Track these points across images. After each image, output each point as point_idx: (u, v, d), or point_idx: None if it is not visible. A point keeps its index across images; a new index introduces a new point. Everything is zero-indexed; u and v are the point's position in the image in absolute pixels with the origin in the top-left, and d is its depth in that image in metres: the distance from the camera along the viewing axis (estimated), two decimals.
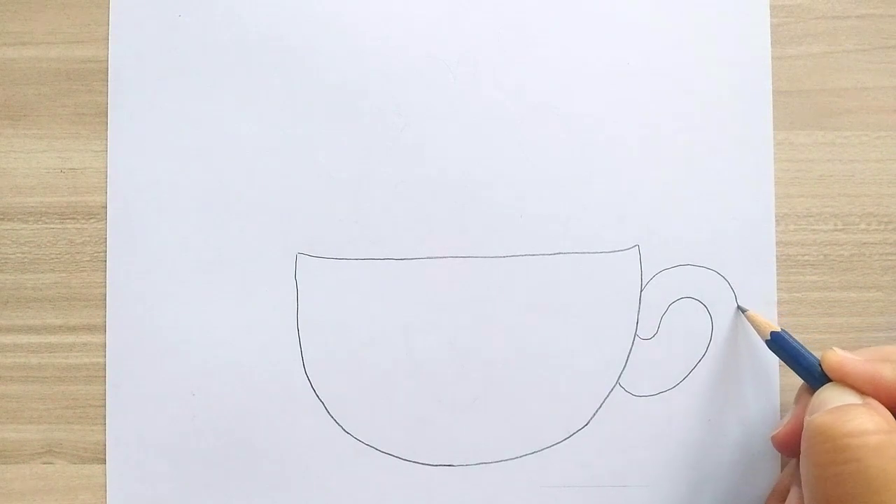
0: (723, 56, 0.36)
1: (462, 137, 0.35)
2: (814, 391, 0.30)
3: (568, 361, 0.35)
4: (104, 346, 0.35)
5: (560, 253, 0.35)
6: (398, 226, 0.35)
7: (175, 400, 0.35)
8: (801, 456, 0.27)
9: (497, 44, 0.36)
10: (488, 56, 0.36)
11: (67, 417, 0.35)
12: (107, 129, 0.36)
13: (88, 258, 0.36)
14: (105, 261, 0.35)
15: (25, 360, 0.36)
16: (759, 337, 0.34)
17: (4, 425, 0.35)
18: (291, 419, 0.35)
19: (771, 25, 0.36)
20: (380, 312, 0.35)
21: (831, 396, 0.28)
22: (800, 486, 0.29)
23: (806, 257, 0.35)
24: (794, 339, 0.32)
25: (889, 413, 0.27)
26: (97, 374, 0.35)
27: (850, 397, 0.28)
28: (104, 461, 0.35)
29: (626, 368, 0.35)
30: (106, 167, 0.36)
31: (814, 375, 0.30)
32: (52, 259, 0.36)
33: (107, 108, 0.36)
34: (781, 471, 0.35)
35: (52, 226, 0.36)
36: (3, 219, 0.36)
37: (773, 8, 0.36)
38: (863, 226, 0.36)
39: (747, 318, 0.34)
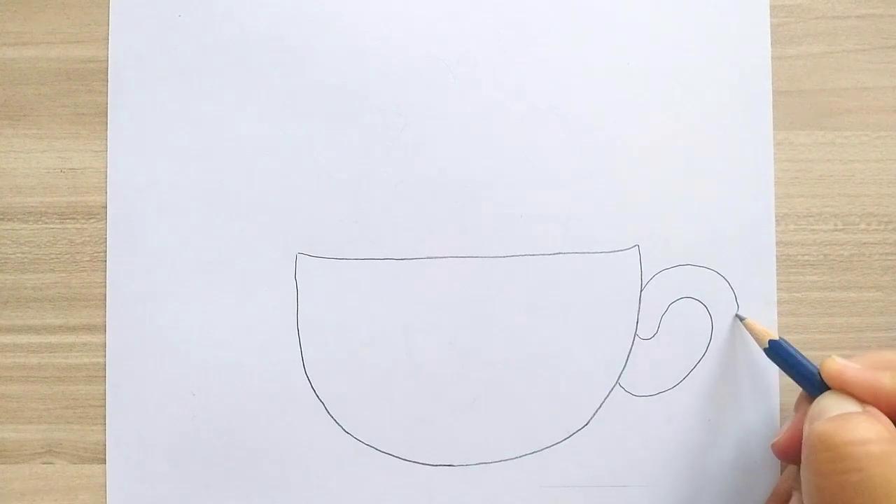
0: (723, 56, 0.36)
1: (462, 137, 0.35)
2: (813, 399, 0.30)
3: (568, 361, 0.35)
4: (104, 346, 0.35)
5: (560, 253, 0.35)
6: (398, 226, 0.35)
7: (175, 400, 0.35)
8: (802, 464, 0.27)
9: (497, 44, 0.36)
10: (488, 56, 0.36)
11: (67, 417, 0.35)
12: (107, 129, 0.36)
13: (88, 258, 0.36)
14: (105, 261, 0.35)
15: (25, 360, 0.36)
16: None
17: (4, 425, 0.35)
18: (291, 419, 0.35)
19: (771, 25, 0.36)
20: (380, 312, 0.35)
21: (831, 404, 0.28)
22: (800, 491, 0.29)
23: (806, 257, 0.35)
24: (792, 347, 0.32)
25: (890, 421, 0.27)
26: (97, 374, 0.35)
27: (850, 405, 0.28)
28: (104, 461, 0.35)
29: (625, 368, 0.35)
30: (106, 167, 0.36)
31: (813, 383, 0.30)
32: (52, 259, 0.36)
33: (107, 108, 0.36)
34: (781, 471, 0.35)
35: (52, 226, 0.36)
36: (3, 219, 0.36)
37: (773, 8, 0.36)
38: (863, 226, 0.36)
39: (745, 326, 0.34)
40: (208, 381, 0.35)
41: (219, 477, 0.35)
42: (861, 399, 0.28)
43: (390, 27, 0.36)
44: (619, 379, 0.35)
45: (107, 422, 0.35)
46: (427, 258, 0.35)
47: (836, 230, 0.36)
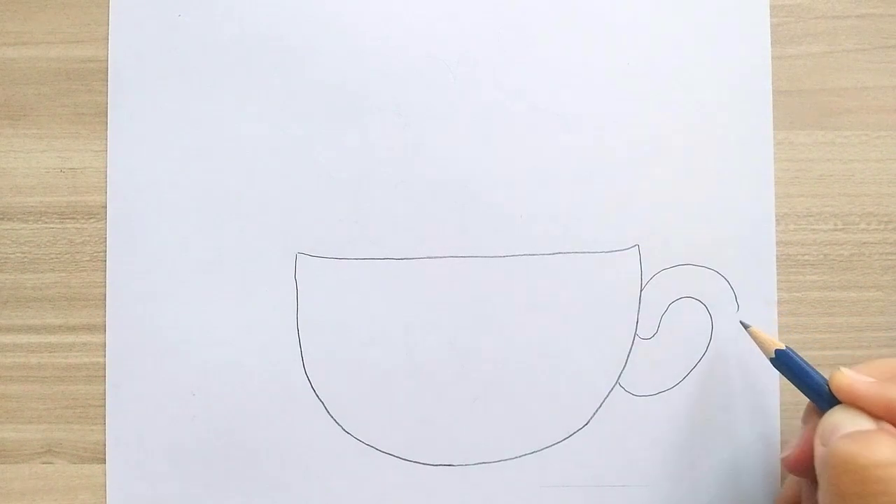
0: (723, 56, 0.36)
1: (462, 137, 0.35)
2: (821, 411, 0.29)
3: (568, 361, 0.35)
4: (104, 345, 0.35)
5: (560, 253, 0.35)
6: (398, 226, 0.35)
7: (175, 400, 0.35)
8: (821, 484, 0.26)
9: (497, 44, 0.36)
10: (488, 56, 0.36)
11: (67, 417, 0.35)
12: (107, 129, 0.36)
13: (88, 258, 0.36)
14: (105, 261, 0.35)
15: (25, 360, 0.36)
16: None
17: (4, 425, 0.35)
18: (291, 419, 0.35)
19: (771, 25, 0.36)
20: (380, 312, 0.35)
21: (843, 421, 0.27)
22: (808, 500, 0.28)
23: (806, 257, 0.35)
24: (799, 356, 0.31)
25: None
26: (97, 374, 0.35)
27: (864, 422, 0.27)
28: (104, 461, 0.35)
29: (625, 368, 0.35)
30: (106, 167, 0.36)
31: (821, 395, 0.29)
32: (52, 259, 0.36)
33: (107, 107, 0.36)
34: (781, 479, 0.35)
35: (52, 226, 0.36)
36: (3, 219, 0.36)
37: (773, 8, 0.36)
38: (863, 225, 0.36)
39: (750, 334, 0.33)
40: (208, 381, 0.35)
41: (219, 477, 0.35)
42: (872, 413, 0.27)
43: (390, 27, 0.36)
44: (619, 379, 0.35)
45: (107, 422, 0.35)
46: (427, 258, 0.35)
47: (836, 230, 0.36)
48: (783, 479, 0.35)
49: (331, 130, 0.36)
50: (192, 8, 0.36)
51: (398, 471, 0.35)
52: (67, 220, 0.36)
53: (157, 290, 0.35)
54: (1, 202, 0.36)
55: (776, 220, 0.35)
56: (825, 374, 0.30)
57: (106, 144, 0.36)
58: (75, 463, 0.35)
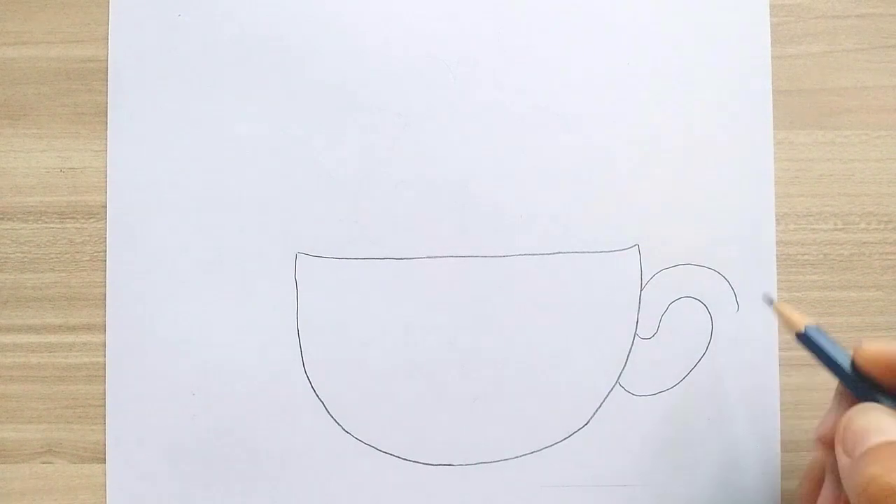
0: (723, 56, 0.36)
1: (462, 137, 0.35)
2: (849, 392, 0.28)
3: (568, 361, 0.35)
4: (104, 345, 0.35)
5: (560, 253, 0.35)
6: (398, 226, 0.35)
7: (175, 400, 0.35)
8: (850, 498, 0.26)
9: (497, 44, 0.36)
10: (488, 56, 0.36)
11: (67, 417, 0.35)
12: (107, 129, 0.36)
13: (88, 258, 0.36)
14: (105, 260, 0.35)
15: (25, 360, 0.36)
16: (759, 333, 0.34)
17: (4, 425, 0.35)
18: (291, 419, 0.35)
19: (771, 25, 0.36)
20: (380, 312, 0.35)
21: (867, 428, 0.26)
22: (834, 475, 0.28)
23: (806, 257, 0.35)
24: (826, 334, 0.30)
25: None
26: (97, 374, 0.35)
27: (889, 426, 0.26)
28: (104, 461, 0.35)
29: (626, 368, 0.35)
30: (106, 167, 0.36)
31: (848, 375, 0.29)
32: (52, 259, 0.36)
33: (107, 107, 0.36)
34: (781, 472, 0.35)
35: (52, 225, 0.36)
36: (3, 219, 0.36)
37: (773, 7, 0.36)
38: (863, 225, 0.36)
39: (776, 310, 0.32)
40: (208, 381, 0.35)
41: (219, 477, 0.35)
42: None
43: (390, 27, 0.36)
44: (619, 378, 0.35)
45: (106, 422, 0.35)
46: (427, 258, 0.35)
47: (836, 230, 0.36)
48: (783, 478, 0.35)
49: (331, 130, 0.36)
50: (192, 8, 0.36)
51: (398, 471, 0.35)
52: (67, 220, 0.36)
53: (157, 290, 0.35)
54: (1, 202, 0.36)
55: (776, 220, 0.35)
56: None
57: (106, 144, 0.36)
58: (75, 463, 0.35)
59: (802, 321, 0.30)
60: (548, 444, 0.35)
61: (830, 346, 0.29)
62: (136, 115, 0.36)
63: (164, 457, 0.35)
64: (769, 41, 0.36)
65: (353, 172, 0.35)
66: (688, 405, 0.35)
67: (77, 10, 0.36)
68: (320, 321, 0.35)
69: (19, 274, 0.36)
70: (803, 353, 0.31)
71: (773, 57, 0.36)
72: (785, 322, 0.31)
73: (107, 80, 0.36)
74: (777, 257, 0.35)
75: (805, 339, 0.30)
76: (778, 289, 0.35)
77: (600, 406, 0.35)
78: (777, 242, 0.35)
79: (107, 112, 0.36)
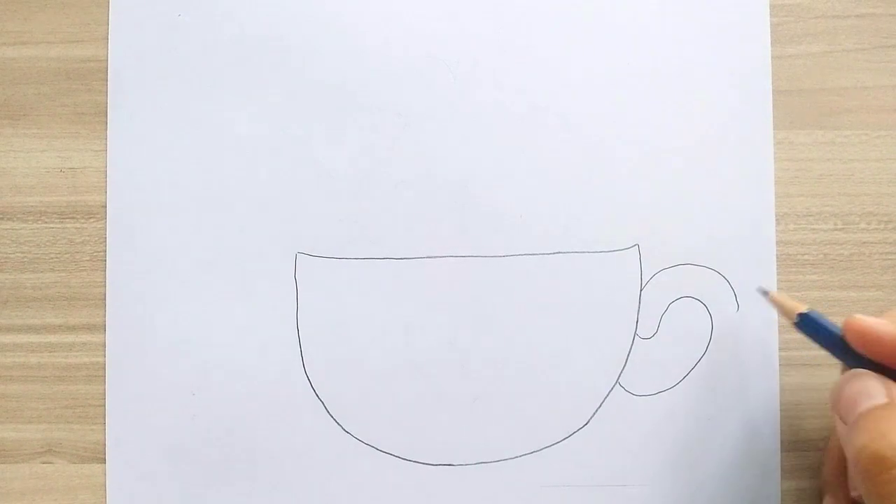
0: (723, 56, 0.36)
1: (462, 137, 0.35)
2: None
3: (568, 361, 0.35)
4: (104, 345, 0.35)
5: (560, 253, 0.35)
6: (398, 226, 0.35)
7: (175, 400, 0.35)
8: (857, 478, 0.27)
9: (497, 44, 0.36)
10: (488, 56, 0.36)
11: (67, 417, 0.35)
12: (107, 129, 0.36)
13: (88, 258, 0.36)
14: (105, 260, 0.35)
15: (25, 360, 0.36)
16: (759, 333, 0.34)
17: (4, 425, 0.35)
18: (291, 419, 0.35)
19: (771, 25, 0.36)
20: (380, 312, 0.35)
21: (859, 394, 0.27)
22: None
23: (806, 257, 0.35)
24: (821, 316, 0.31)
25: None
26: (97, 374, 0.35)
27: (875, 388, 0.27)
28: (104, 461, 0.35)
29: (625, 368, 0.35)
30: (106, 167, 0.36)
31: (847, 352, 0.30)
32: (52, 259, 0.36)
33: (106, 107, 0.36)
34: (781, 472, 0.35)
35: (52, 225, 0.36)
36: (3, 218, 0.36)
37: (773, 7, 0.36)
38: (863, 225, 0.36)
39: (771, 299, 0.32)
40: (208, 381, 0.35)
41: (219, 477, 0.35)
42: (890, 359, 0.28)
43: (390, 27, 0.36)
44: (619, 378, 0.35)
45: (106, 421, 0.35)
46: (427, 258, 0.35)
47: (836, 230, 0.36)
48: (783, 478, 0.35)
49: (331, 130, 0.36)
50: (192, 8, 0.36)
51: (398, 471, 0.35)
52: (67, 220, 0.36)
53: (157, 290, 0.35)
54: (1, 202, 0.36)
55: (776, 219, 0.35)
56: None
57: (106, 144, 0.36)
58: (75, 463, 0.35)
59: (798, 308, 0.31)
60: (548, 444, 0.35)
61: (827, 327, 0.30)
62: (136, 115, 0.36)
63: (164, 457, 0.35)
64: (769, 41, 0.36)
65: (353, 172, 0.35)
66: (688, 405, 0.35)
67: (77, 10, 0.36)
68: (320, 321, 0.35)
69: (19, 274, 0.36)
70: (803, 353, 0.32)
71: (773, 57, 0.36)
72: (781, 311, 0.32)
73: (107, 80, 0.36)
74: (777, 257, 0.35)
75: (802, 324, 0.31)
76: (778, 289, 0.35)
77: (600, 406, 0.35)
78: (777, 242, 0.35)
79: (107, 112, 0.36)
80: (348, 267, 0.35)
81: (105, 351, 0.35)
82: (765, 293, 0.33)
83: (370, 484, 0.35)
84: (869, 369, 0.28)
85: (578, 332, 0.35)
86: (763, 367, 0.35)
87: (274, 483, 0.35)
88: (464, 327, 0.35)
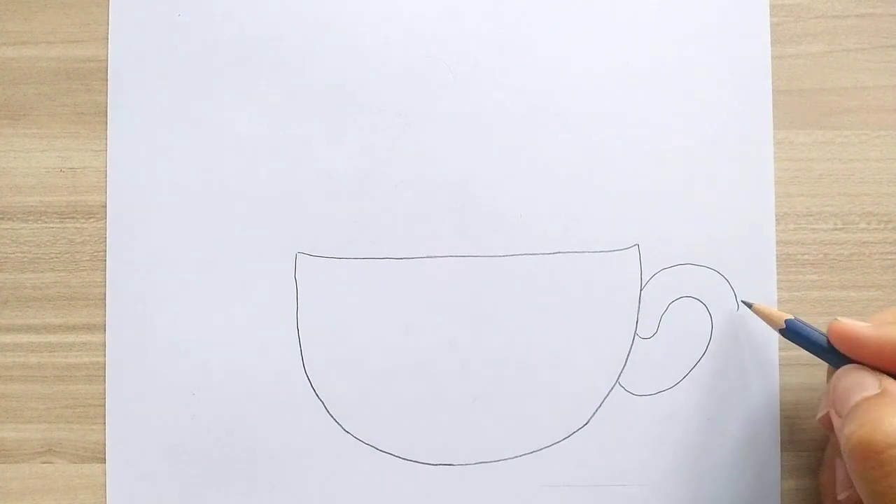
0: (723, 56, 0.36)
1: (462, 137, 0.36)
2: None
3: (568, 361, 0.35)
4: (104, 345, 0.35)
5: (560, 252, 0.35)
6: (398, 226, 0.35)
7: (175, 400, 0.35)
8: (847, 467, 0.27)
9: (497, 44, 0.36)
10: (488, 56, 0.36)
11: (67, 417, 0.35)
12: (107, 129, 0.36)
13: (88, 258, 0.36)
14: (105, 260, 0.35)
15: (25, 360, 0.35)
16: (759, 333, 0.34)
17: (4, 425, 0.35)
18: (291, 419, 0.35)
19: (771, 25, 0.36)
20: (380, 312, 0.35)
21: (849, 386, 0.28)
22: (843, 460, 0.29)
23: (806, 256, 0.35)
24: (805, 323, 0.32)
25: None
26: (97, 374, 0.35)
27: (868, 381, 0.28)
28: (104, 461, 0.35)
29: (625, 367, 0.35)
30: (106, 167, 0.36)
31: (834, 355, 0.30)
32: (52, 259, 0.36)
33: (106, 107, 0.36)
34: (781, 472, 0.35)
35: (52, 225, 0.36)
36: (3, 218, 0.36)
37: (772, 7, 0.36)
38: (863, 225, 0.36)
39: (755, 311, 0.34)
40: (208, 381, 0.35)
41: (219, 477, 0.35)
42: (873, 361, 0.28)
43: (390, 27, 0.36)
44: (619, 378, 0.35)
45: (106, 421, 0.35)
46: (427, 258, 0.35)
47: (835, 229, 0.36)
48: (783, 478, 0.35)
49: (331, 130, 0.36)
50: (192, 8, 0.36)
51: (398, 470, 0.35)
52: (67, 220, 0.36)
53: (157, 290, 0.35)
54: (1, 202, 0.36)
55: (776, 219, 0.35)
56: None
57: (106, 144, 0.36)
58: (75, 463, 0.35)
59: (783, 316, 0.32)
60: (548, 444, 0.35)
61: (812, 333, 0.31)
62: (136, 115, 0.36)
63: (164, 457, 0.35)
64: (769, 41, 0.36)
65: (353, 172, 0.35)
66: (688, 405, 0.35)
67: (77, 10, 0.36)
68: (320, 321, 0.35)
69: (19, 274, 0.36)
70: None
71: (773, 57, 0.36)
72: (767, 321, 0.33)
73: (107, 80, 0.36)
74: (777, 257, 0.35)
75: (788, 332, 0.32)
76: (778, 288, 0.35)
77: (600, 406, 0.35)
78: (777, 242, 0.35)
79: (107, 112, 0.36)
80: (348, 267, 0.35)
81: (105, 351, 0.35)
82: (749, 305, 0.34)
83: (370, 484, 0.35)
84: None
85: (578, 332, 0.35)
86: (763, 367, 0.35)
87: (274, 483, 0.35)
88: (464, 327, 0.35)
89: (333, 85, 0.36)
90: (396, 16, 0.36)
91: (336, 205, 0.35)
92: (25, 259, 0.36)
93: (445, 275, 0.35)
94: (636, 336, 0.35)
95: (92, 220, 0.36)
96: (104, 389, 0.35)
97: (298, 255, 0.35)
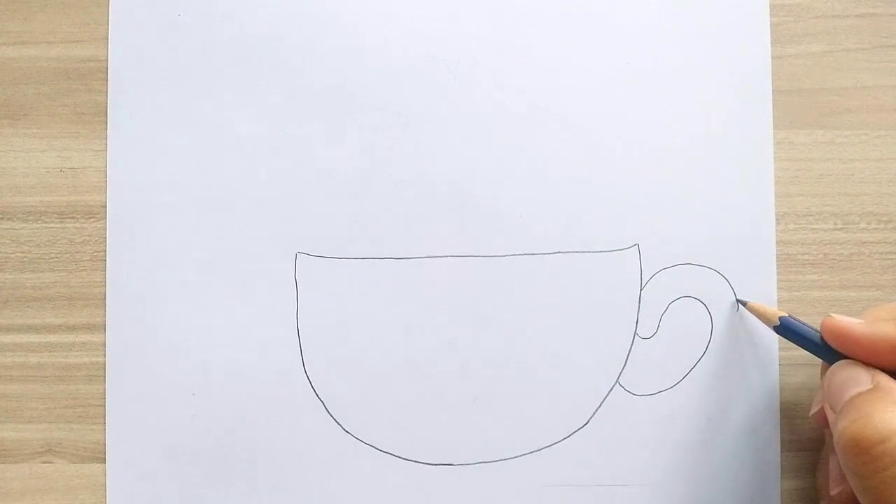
0: (723, 56, 0.36)
1: (462, 137, 0.36)
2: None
3: (568, 361, 0.35)
4: (104, 345, 0.35)
5: (560, 252, 0.35)
6: (398, 226, 0.35)
7: (175, 400, 0.35)
8: (840, 462, 0.27)
9: (497, 44, 0.36)
10: (488, 56, 0.36)
11: (67, 417, 0.35)
12: (107, 129, 0.36)
13: (88, 258, 0.36)
14: (105, 260, 0.35)
15: (25, 360, 0.36)
16: (759, 333, 0.34)
17: (4, 425, 0.35)
18: (291, 419, 0.35)
19: (771, 25, 0.36)
20: (380, 312, 0.35)
21: (843, 382, 0.28)
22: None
23: (806, 256, 0.35)
24: (800, 320, 0.32)
25: None
26: (97, 374, 0.35)
27: (863, 379, 0.28)
28: (104, 461, 0.35)
29: (625, 367, 0.35)
30: (106, 167, 0.36)
31: (828, 352, 0.30)
32: (52, 259, 0.36)
33: (106, 107, 0.36)
34: (781, 472, 0.35)
35: (52, 225, 0.36)
36: (3, 218, 0.36)
37: (772, 7, 0.36)
38: (862, 225, 0.36)
39: (750, 309, 0.34)
40: (208, 381, 0.35)
41: (219, 477, 0.35)
42: (866, 358, 0.29)
43: (390, 27, 0.36)
44: (619, 378, 0.35)
45: (107, 421, 0.35)
46: (427, 258, 0.35)
47: (835, 229, 0.36)
48: (783, 478, 0.35)
49: (331, 130, 0.36)
50: (192, 8, 0.36)
51: (398, 470, 0.35)
52: (67, 220, 0.36)
53: (157, 290, 0.35)
54: (1, 202, 0.36)
55: (776, 219, 0.35)
56: None
57: (106, 144, 0.36)
58: (75, 463, 0.35)
59: (777, 314, 0.32)
60: (548, 443, 0.35)
61: (806, 330, 0.31)
62: (136, 115, 0.36)
63: (164, 457, 0.35)
64: (769, 41, 0.36)
65: (353, 172, 0.35)
66: (688, 405, 0.35)
67: (77, 10, 0.36)
68: (320, 321, 0.35)
69: (19, 274, 0.36)
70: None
71: (773, 57, 0.36)
72: (762, 318, 0.33)
73: (107, 80, 0.36)
74: (777, 257, 0.35)
75: (782, 329, 0.32)
76: (778, 288, 0.35)
77: (600, 406, 0.35)
78: (777, 242, 0.35)
79: (107, 112, 0.36)
80: (348, 267, 0.35)
81: (105, 351, 0.35)
82: (743, 303, 0.34)
83: (370, 484, 0.35)
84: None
85: (578, 332, 0.35)
86: (763, 367, 0.35)
87: (274, 483, 0.35)
88: (464, 327, 0.35)
89: (333, 85, 0.36)
90: (396, 16, 0.36)
91: (336, 205, 0.35)
92: (25, 259, 0.36)
93: (445, 275, 0.35)
94: (636, 336, 0.35)
95: (92, 220, 0.36)
96: (104, 389, 0.35)
97: (298, 255, 0.35)
